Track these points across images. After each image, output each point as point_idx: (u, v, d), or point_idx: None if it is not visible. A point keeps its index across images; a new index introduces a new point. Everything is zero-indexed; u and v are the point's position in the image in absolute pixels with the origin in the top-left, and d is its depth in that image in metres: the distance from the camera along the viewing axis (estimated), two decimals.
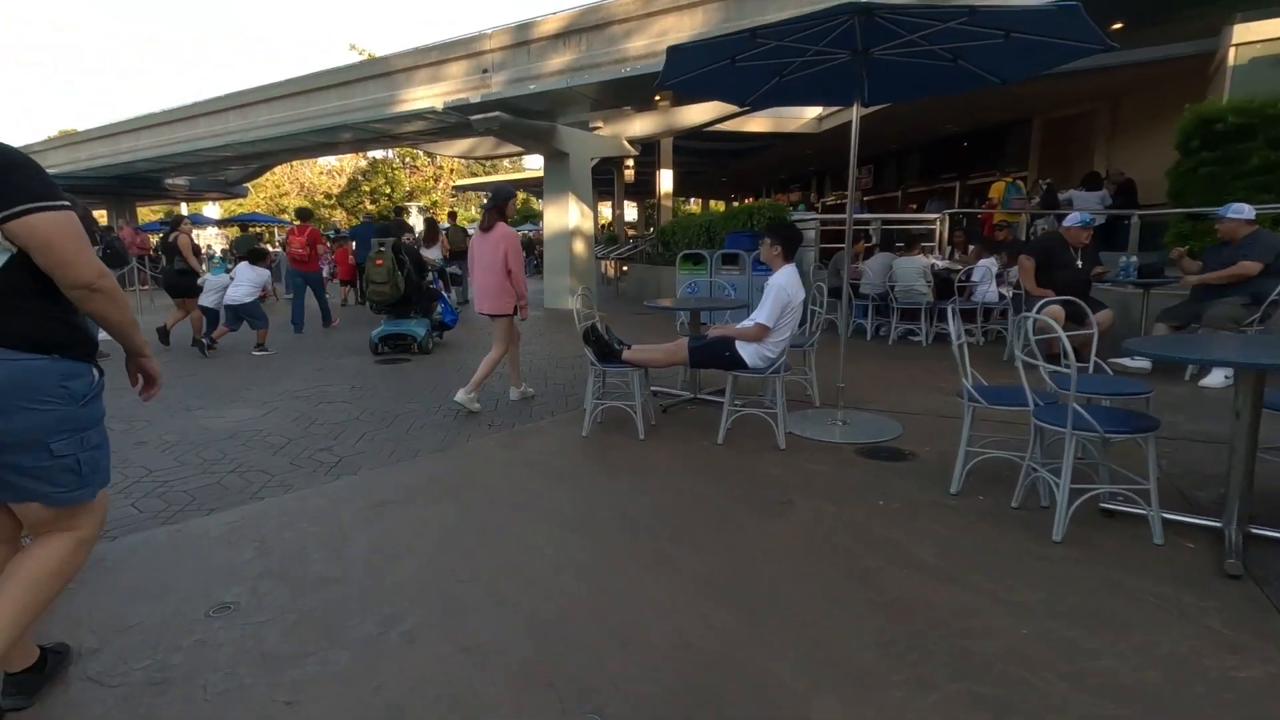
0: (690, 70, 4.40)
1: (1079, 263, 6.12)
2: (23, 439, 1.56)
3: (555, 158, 12.39)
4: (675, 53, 3.79)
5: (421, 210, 32.40)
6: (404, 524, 3.04)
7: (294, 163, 46.09)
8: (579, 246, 12.63)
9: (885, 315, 8.38)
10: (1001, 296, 7.70)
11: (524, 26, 10.58)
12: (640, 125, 13.76)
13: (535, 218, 42.75)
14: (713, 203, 35.81)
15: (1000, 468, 3.38)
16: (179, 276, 8.07)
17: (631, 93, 10.60)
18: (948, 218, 10.31)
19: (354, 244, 12.53)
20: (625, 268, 19.46)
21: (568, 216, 12.39)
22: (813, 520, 3.02)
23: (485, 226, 5.04)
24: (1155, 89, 11.64)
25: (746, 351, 4.04)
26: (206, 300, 7.84)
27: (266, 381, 6.24)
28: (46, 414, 1.58)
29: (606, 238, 19.62)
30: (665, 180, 15.73)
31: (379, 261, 7.23)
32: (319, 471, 3.76)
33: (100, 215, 25.09)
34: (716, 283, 9.90)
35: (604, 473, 3.73)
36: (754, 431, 4.26)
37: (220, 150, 15.98)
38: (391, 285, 7.26)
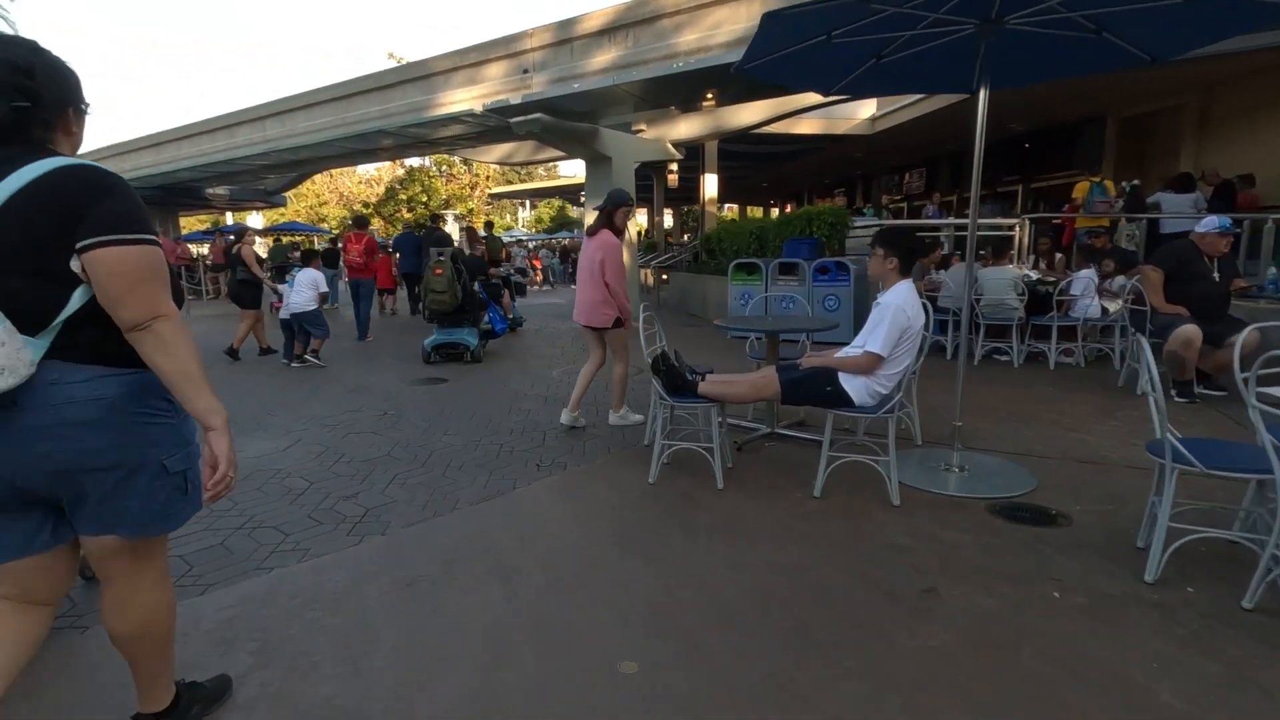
0: (777, 49, 3.71)
1: (1215, 275, 5.26)
2: (141, 458, 1.49)
3: (597, 162, 11.81)
4: (772, 21, 3.10)
5: (458, 218, 32.28)
6: (441, 615, 2.39)
7: (333, 172, 46.75)
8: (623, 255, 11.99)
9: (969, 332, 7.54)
10: (1104, 311, 6.83)
11: (566, 23, 10.02)
12: (685, 128, 13.10)
13: (570, 224, 42.46)
14: (750, 209, 35.00)
15: (1194, 541, 2.60)
16: (241, 287, 7.96)
17: (680, 91, 9.96)
18: (1028, 223, 9.42)
19: (397, 254, 12.21)
20: (665, 276, 18.83)
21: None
22: (973, 622, 2.29)
23: (590, 232, 4.71)
24: (1262, 77, 10.55)
25: (853, 386, 3.32)
26: (286, 314, 7.48)
27: (294, 404, 5.71)
28: (163, 426, 1.53)
29: (645, 245, 19.00)
30: (710, 185, 15.05)
31: (438, 271, 7.18)
32: (341, 529, 3.15)
33: None
34: (773, 295, 9.19)
35: (684, 536, 3.05)
36: (854, 479, 3.53)
37: (259, 158, 15.80)
38: (450, 294, 7.24)
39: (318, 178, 46.49)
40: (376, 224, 35.27)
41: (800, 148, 17.98)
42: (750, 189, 28.59)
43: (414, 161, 33.02)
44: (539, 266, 22.82)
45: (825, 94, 4.49)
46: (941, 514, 3.19)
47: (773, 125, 14.58)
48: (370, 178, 45.03)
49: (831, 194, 26.14)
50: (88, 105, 1.56)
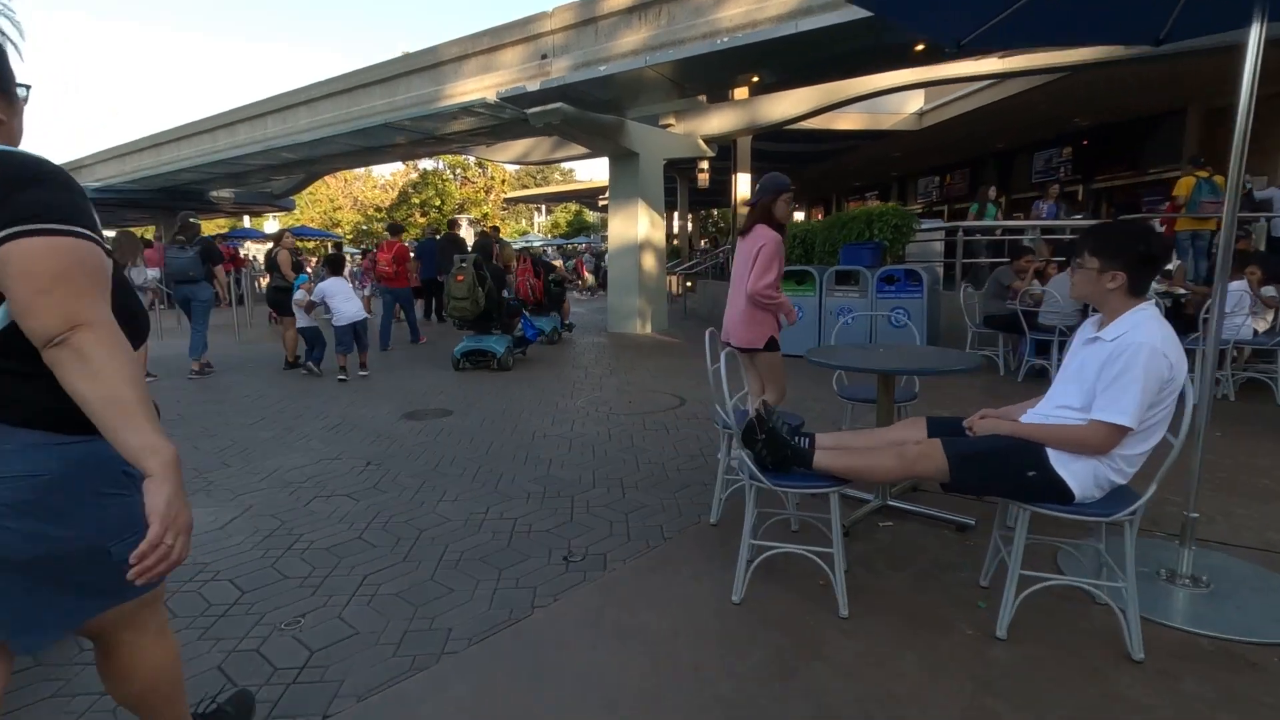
0: None
1: None
2: (87, 547, 1.20)
3: (622, 159, 10.68)
4: None
5: (472, 223, 31.31)
6: None
7: (347, 177, 46.12)
8: (649, 261, 10.85)
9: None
10: (1255, 333, 5.56)
11: (590, 2, 8.89)
12: (718, 121, 11.95)
13: (588, 229, 41.44)
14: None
15: None
16: (276, 293, 7.84)
17: (720, 74, 8.79)
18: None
19: (419, 260, 11.25)
20: (690, 284, 17.65)
21: (636, 226, 10.64)
22: None
23: (744, 229, 3.73)
24: None
25: (1074, 470, 2.09)
26: (302, 321, 7.22)
27: (260, 449, 4.58)
28: (111, 507, 1.23)
29: (669, 251, 17.84)
30: (743, 185, 13.87)
31: (460, 277, 7.02)
32: (263, 696, 1.99)
33: (148, 230, 24.60)
34: (830, 306, 7.98)
35: (812, 716, 1.85)
36: (1043, 603, 2.32)
37: (259, 158, 14.83)
38: (471, 301, 7.05)
39: (331, 182, 45.95)
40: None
41: (837, 146, 16.77)
42: None
43: (427, 164, 32.13)
44: (584, 273, 21.74)
45: (955, 45, 3.29)
46: (1215, 677, 1.98)
47: (813, 121, 13.38)
48: (386, 183, 44.34)
49: (863, 197, 24.85)
50: (26, 88, 1.27)
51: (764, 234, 3.57)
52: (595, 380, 6.92)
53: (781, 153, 17.15)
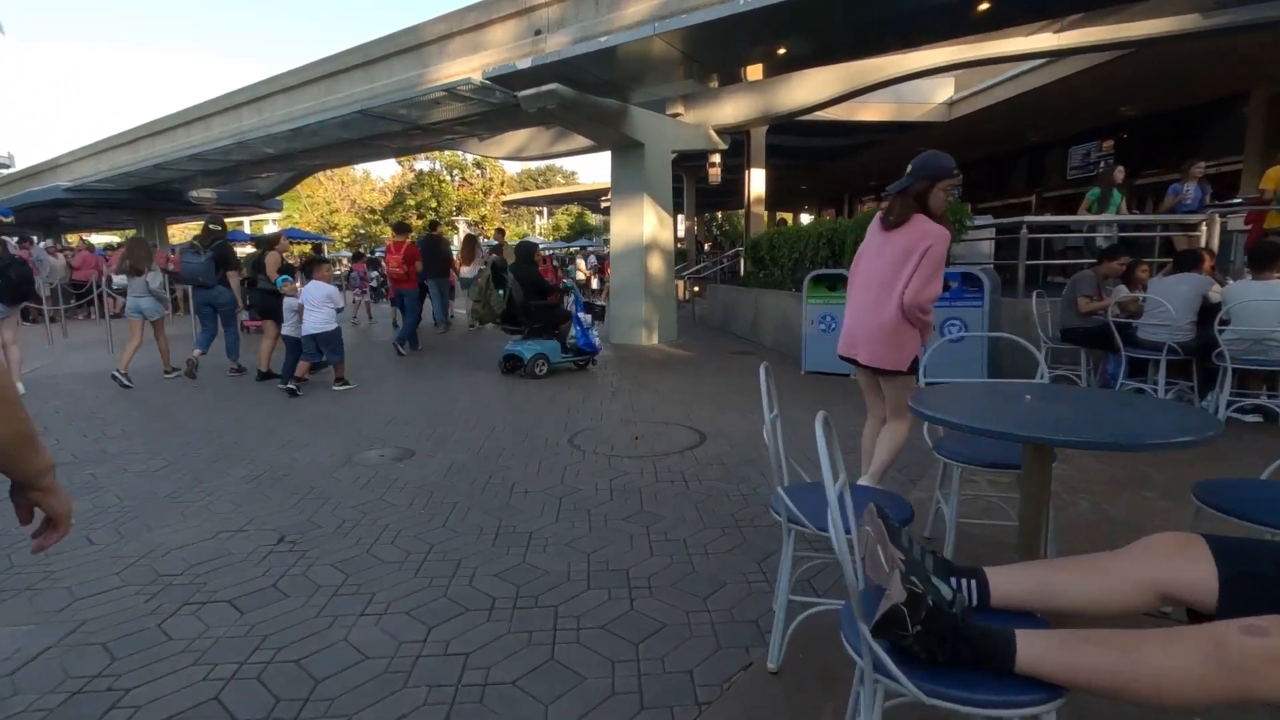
0: None
1: None
2: None
3: (626, 150, 9.56)
4: None
5: (471, 225, 30.27)
6: None
7: (344, 179, 45.18)
8: (656, 264, 9.72)
9: (1182, 374, 5.14)
10: None
11: None
12: (731, 110, 10.83)
13: (590, 232, 40.36)
14: (781, 214, 32.55)
15: None
16: (262, 296, 7.31)
17: (741, 43, 7.64)
18: (1217, 219, 6.98)
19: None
20: (698, 288, 16.52)
21: (641, 225, 9.51)
22: None
23: (892, 221, 2.90)
24: None
25: None
26: (287, 328, 6.66)
27: (148, 512, 3.45)
28: None
29: (675, 254, 16.71)
30: (756, 181, 12.74)
31: (478, 280, 7.18)
32: None
33: (128, 233, 23.59)
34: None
35: None
36: None
37: (235, 152, 13.74)
38: (485, 305, 7.12)
39: (327, 184, 45.06)
40: (385, 231, 33.35)
41: (858, 140, 15.63)
42: (786, 194, 26.22)
43: (424, 165, 31.09)
44: (608, 274, 20.51)
45: None
46: None
47: (833, 110, 12.25)
48: (384, 185, 43.37)
49: (878, 197, 23.71)
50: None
51: (929, 230, 2.78)
52: (595, 406, 5.78)
53: (798, 148, 16.04)
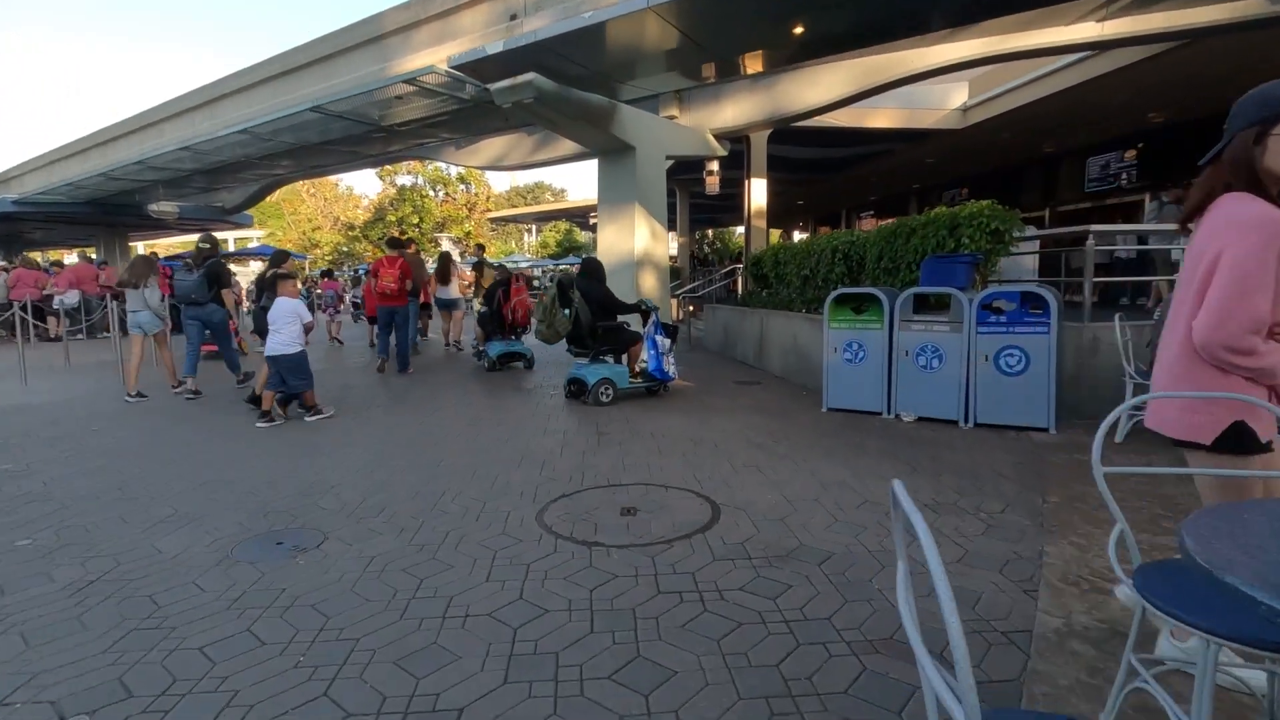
0: None
1: None
2: None
3: (616, 155, 8.49)
4: None
5: (455, 242, 29.15)
6: None
7: (327, 196, 44.02)
8: (648, 281, 8.60)
9: None
10: None
11: None
12: (732, 112, 9.80)
13: (579, 249, 39.35)
14: (773, 233, 31.65)
15: None
16: (265, 316, 6.36)
17: (752, 18, 6.55)
18: None
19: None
20: (693, 308, 15.43)
21: (632, 237, 8.41)
22: None
23: (1195, 204, 1.82)
24: None
25: None
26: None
27: (40, 612, 2.23)
28: None
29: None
30: (757, 192, 11.70)
31: (543, 296, 6.69)
32: None
33: (89, 250, 22.38)
34: (905, 343, 5.72)
35: None
36: None
37: (186, 161, 12.56)
38: (549, 325, 6.55)
39: (309, 200, 43.89)
40: (365, 248, 32.16)
41: (862, 151, 14.67)
42: (782, 209, 25.30)
43: (406, 180, 29.99)
44: None
45: None
46: None
47: (840, 116, 11.27)
48: (371, 202, 42.24)
49: (876, 214, 22.82)
50: None
51: (1234, 215, 1.67)
52: (574, 457, 4.60)
53: (798, 160, 15.05)
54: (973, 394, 5.38)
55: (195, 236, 25.78)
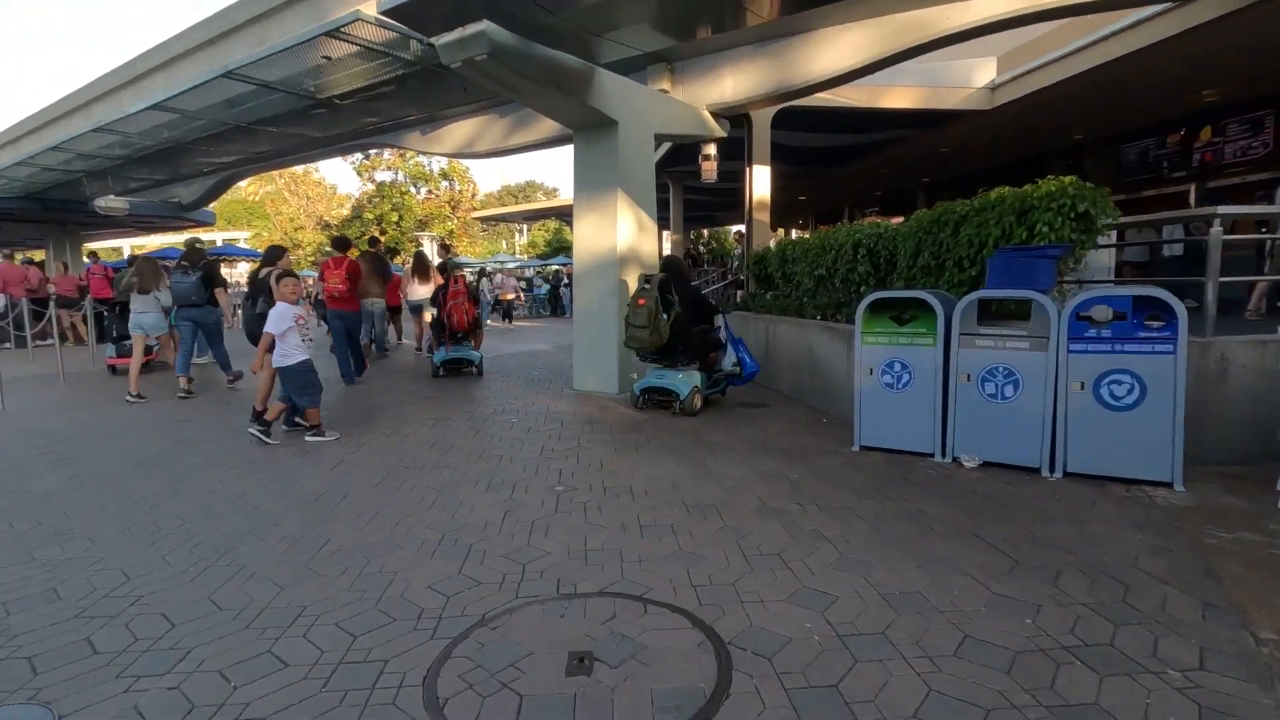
0: None
1: None
2: None
3: (594, 131, 7.10)
4: None
5: (435, 241, 27.69)
6: None
7: (309, 194, 42.47)
8: (634, 284, 7.21)
9: None
10: None
11: None
12: (732, 84, 8.41)
13: (569, 249, 37.93)
14: (779, 232, 30.22)
15: None
16: (259, 322, 5.80)
17: None
18: None
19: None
20: None
21: (614, 230, 7.04)
22: None
23: None
24: None
25: None
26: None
27: None
28: None
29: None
30: (759, 182, 10.31)
31: (641, 301, 5.87)
32: None
33: (36, 254, 20.89)
34: (967, 364, 4.35)
35: None
36: None
37: (112, 149, 11.10)
38: (653, 331, 5.81)
39: (290, 199, 42.34)
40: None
41: (873, 137, 13.30)
42: (784, 205, 23.90)
43: (385, 176, 28.52)
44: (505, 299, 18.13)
45: None
46: None
47: (854, 94, 9.95)
48: (354, 201, 40.69)
49: (881, 212, 21.47)
50: None
51: None
52: (515, 534, 3.20)
53: (802, 150, 13.67)
54: (1061, 433, 4.00)
55: (153, 238, 24.31)
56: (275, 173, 45.36)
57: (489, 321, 16.38)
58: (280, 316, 5.09)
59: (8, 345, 12.77)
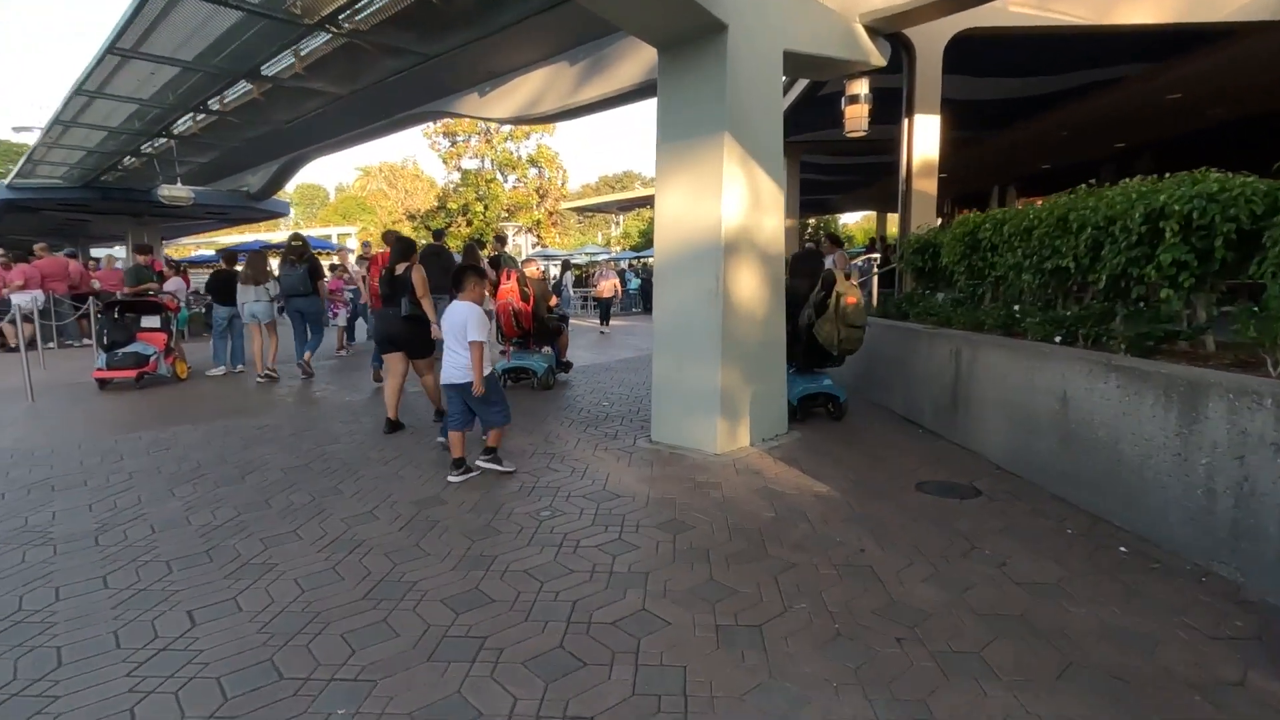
0: None
1: None
2: None
3: (689, 47, 4.45)
4: None
5: (523, 231, 25.98)
6: None
7: (406, 187, 42.25)
8: (746, 281, 4.56)
9: None
10: None
11: None
12: None
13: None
14: (891, 219, 26.31)
15: None
16: (405, 325, 5.09)
17: None
18: None
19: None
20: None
21: (718, 199, 4.36)
22: None
23: None
24: None
25: None
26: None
27: None
28: None
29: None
30: (923, 138, 7.28)
31: (852, 299, 5.11)
32: None
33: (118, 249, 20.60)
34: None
35: None
36: None
37: (132, 121, 9.57)
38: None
39: (391, 194, 42.24)
40: (425, 236, 29.77)
41: (1076, 81, 9.79)
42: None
43: (471, 164, 27.08)
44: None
45: None
46: None
47: (1079, 7, 6.81)
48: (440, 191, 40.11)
49: (1043, 193, 17.43)
50: None
51: None
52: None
53: (967, 105, 10.36)
54: None
55: (231, 236, 23.77)
56: (377, 167, 45.83)
57: (573, 321, 13.94)
58: (478, 320, 4.06)
59: (50, 345, 11.77)
